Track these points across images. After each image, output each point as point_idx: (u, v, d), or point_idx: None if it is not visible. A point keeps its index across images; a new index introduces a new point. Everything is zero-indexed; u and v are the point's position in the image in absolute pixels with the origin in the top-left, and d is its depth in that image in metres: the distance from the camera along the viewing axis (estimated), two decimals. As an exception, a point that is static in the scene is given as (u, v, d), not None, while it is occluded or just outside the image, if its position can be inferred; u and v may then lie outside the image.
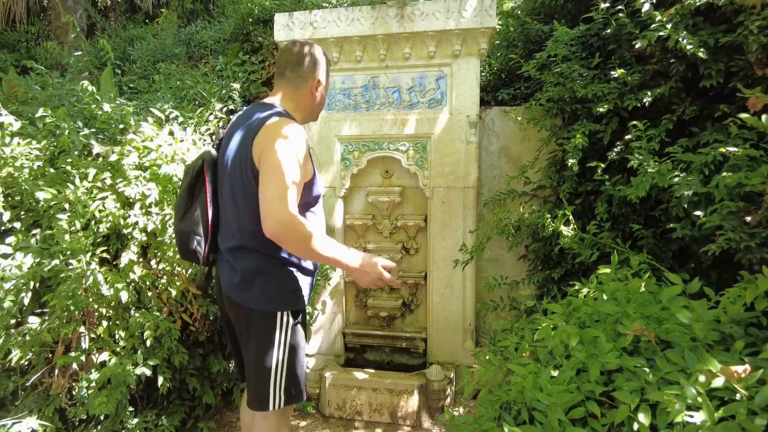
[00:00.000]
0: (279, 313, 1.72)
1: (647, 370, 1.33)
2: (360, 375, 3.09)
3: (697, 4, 2.23)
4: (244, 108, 1.90)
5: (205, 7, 6.53)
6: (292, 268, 1.76)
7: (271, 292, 1.72)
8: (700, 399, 1.10)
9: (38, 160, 2.50)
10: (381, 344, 3.43)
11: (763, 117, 1.56)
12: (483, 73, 3.73)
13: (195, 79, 3.41)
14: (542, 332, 1.57)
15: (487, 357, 1.61)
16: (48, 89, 3.05)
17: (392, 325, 3.46)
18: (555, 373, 1.43)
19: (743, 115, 1.59)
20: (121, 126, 2.74)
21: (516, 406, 1.42)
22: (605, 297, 1.65)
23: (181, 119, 2.95)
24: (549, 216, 2.60)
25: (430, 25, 3.01)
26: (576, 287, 1.79)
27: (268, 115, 1.67)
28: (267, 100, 1.83)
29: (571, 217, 2.49)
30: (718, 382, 1.13)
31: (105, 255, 2.56)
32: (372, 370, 3.16)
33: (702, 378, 1.15)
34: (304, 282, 1.82)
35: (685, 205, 2.15)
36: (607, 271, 1.91)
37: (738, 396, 1.11)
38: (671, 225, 2.18)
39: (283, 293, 1.74)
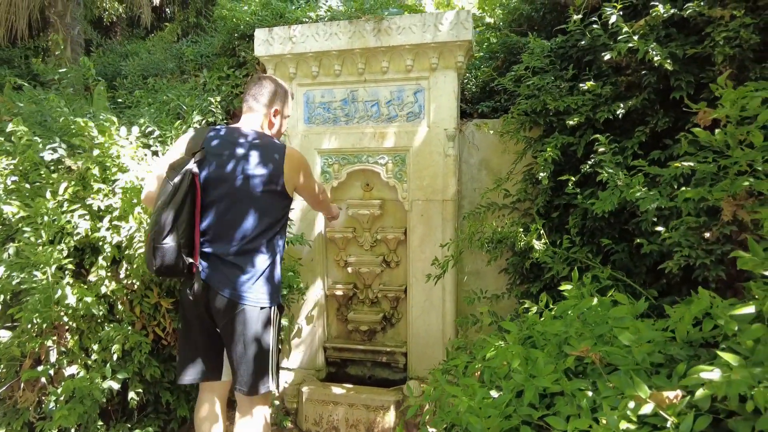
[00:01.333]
0: (273, 307, 2.02)
1: (590, 393, 1.29)
2: (337, 390, 3.05)
3: (665, 16, 2.20)
4: (225, 130, 2.10)
5: (209, 21, 6.61)
6: (277, 264, 2.07)
7: (270, 289, 2.00)
8: (625, 426, 1.06)
9: (13, 175, 2.53)
10: (362, 359, 3.39)
11: (717, 131, 1.52)
12: (468, 86, 3.72)
13: (178, 93, 3.44)
14: (487, 350, 1.53)
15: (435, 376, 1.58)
16: (30, 105, 3.10)
17: (373, 339, 3.42)
18: (497, 395, 1.39)
19: (696, 130, 1.55)
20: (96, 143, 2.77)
21: (456, 428, 1.38)
22: (556, 316, 1.61)
23: (157, 133, 2.97)
24: (521, 230, 2.56)
25: (407, 39, 3.01)
26: (526, 305, 1.74)
27: (278, 144, 2.07)
28: (246, 126, 2.10)
29: (542, 231, 2.45)
30: (648, 408, 1.09)
31: (78, 268, 2.59)
32: (350, 385, 3.12)
33: (632, 404, 1.11)
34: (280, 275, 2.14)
35: (654, 219, 2.10)
36: (569, 287, 1.87)
37: (669, 423, 1.07)
38: (639, 240, 2.13)
39: (276, 289, 2.05)
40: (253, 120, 2.13)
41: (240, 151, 2.02)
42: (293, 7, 3.54)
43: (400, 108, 3.18)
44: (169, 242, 1.87)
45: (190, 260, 1.94)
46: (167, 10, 8.51)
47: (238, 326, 1.96)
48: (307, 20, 3.40)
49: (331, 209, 2.62)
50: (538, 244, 2.43)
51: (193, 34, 5.07)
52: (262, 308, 1.98)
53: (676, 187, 2.03)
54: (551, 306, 1.89)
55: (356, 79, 3.21)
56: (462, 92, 3.56)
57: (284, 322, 3.10)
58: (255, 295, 1.96)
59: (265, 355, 1.98)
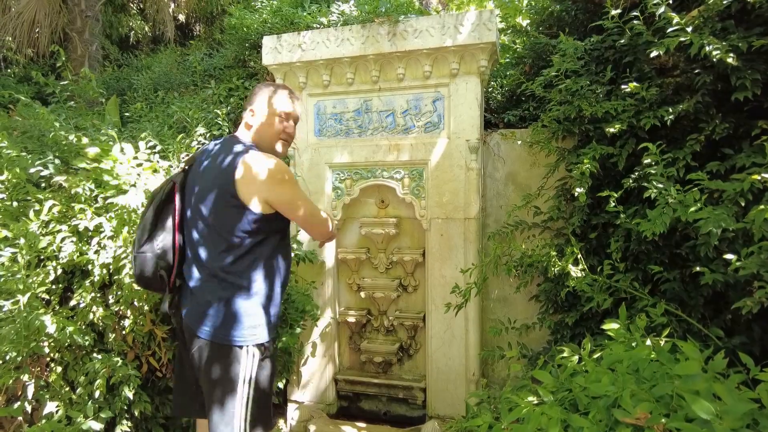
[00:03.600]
0: (244, 347, 1.66)
1: (652, 478, 0.97)
2: (348, 429, 2.75)
3: (725, 3, 1.88)
4: (218, 140, 1.89)
5: (223, 33, 6.54)
6: (257, 300, 1.71)
7: (240, 324, 1.67)
8: None
9: (0, 192, 2.36)
10: (377, 393, 3.08)
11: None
12: (493, 94, 3.44)
13: (183, 105, 3.26)
14: (518, 411, 1.22)
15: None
16: (32, 120, 2.97)
17: (389, 371, 3.11)
18: (529, 474, 1.08)
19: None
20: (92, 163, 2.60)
21: None
22: (605, 367, 1.29)
23: (159, 147, 2.78)
24: (555, 253, 2.24)
25: (425, 43, 2.75)
26: (565, 353, 1.42)
27: (243, 150, 1.71)
28: (235, 134, 1.86)
29: (579, 256, 2.13)
30: None
31: (66, 292, 2.39)
32: (362, 424, 2.82)
33: None
34: (268, 313, 1.74)
35: (716, 244, 1.76)
36: (615, 326, 1.54)
37: None
38: (698, 268, 1.78)
39: (248, 326, 1.68)
40: (240, 128, 1.87)
41: (206, 162, 1.79)
42: (304, 13, 3.33)
43: (417, 118, 2.91)
44: (147, 251, 1.73)
45: (162, 273, 1.75)
46: (195, 28, 8.57)
47: (205, 367, 1.69)
48: (318, 26, 3.18)
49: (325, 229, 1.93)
50: (574, 270, 2.10)
51: (207, 47, 4.94)
52: (224, 346, 1.66)
53: (743, 204, 1.70)
54: (593, 348, 1.57)
55: (370, 87, 2.96)
56: (486, 101, 3.28)
57: (292, 350, 2.84)
58: (219, 330, 1.66)
59: (230, 406, 1.64)
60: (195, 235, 1.75)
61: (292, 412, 3.07)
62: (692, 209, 1.64)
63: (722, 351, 1.16)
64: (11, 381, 2.07)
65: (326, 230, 1.90)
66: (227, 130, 3.26)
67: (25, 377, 2.13)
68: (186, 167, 1.89)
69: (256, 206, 1.66)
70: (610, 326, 1.53)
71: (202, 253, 1.72)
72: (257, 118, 1.80)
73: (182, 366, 1.91)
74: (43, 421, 2.17)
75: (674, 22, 1.91)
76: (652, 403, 1.11)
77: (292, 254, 2.72)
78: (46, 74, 5.94)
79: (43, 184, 2.49)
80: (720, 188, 1.71)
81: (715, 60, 1.87)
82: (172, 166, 2.81)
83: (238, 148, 1.73)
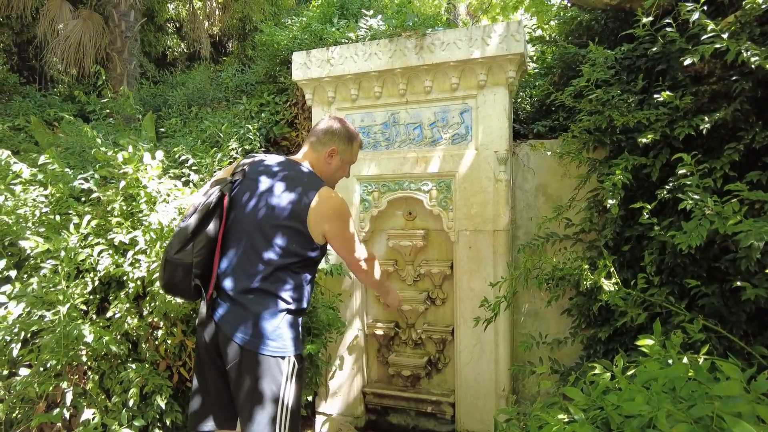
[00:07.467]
0: (287, 357, 1.72)
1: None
2: (375, 444, 2.73)
3: (764, 8, 1.82)
4: (270, 157, 1.93)
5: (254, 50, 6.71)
6: (297, 316, 1.80)
7: (286, 336, 1.73)
8: None
9: (45, 206, 2.47)
10: (405, 407, 3.05)
11: None
12: (522, 104, 3.41)
13: (216, 120, 3.36)
14: (548, 429, 1.19)
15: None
16: (74, 137, 3.10)
17: (417, 385, 3.08)
18: (559, 495, 1.05)
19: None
20: (122, 171, 2.70)
21: None
22: (639, 385, 1.24)
23: (192, 161, 2.86)
24: (587, 266, 2.18)
25: (452, 55, 2.76)
26: (597, 370, 1.38)
27: (317, 183, 1.81)
28: (297, 159, 1.93)
29: (612, 269, 2.07)
30: None
31: (103, 303, 2.47)
32: (390, 438, 2.80)
33: None
34: (301, 328, 1.84)
35: (758, 257, 1.68)
36: (650, 342, 1.49)
37: None
38: (739, 282, 1.71)
39: (292, 337, 1.75)
40: (305, 155, 1.93)
41: (272, 180, 1.82)
42: (333, 29, 3.39)
43: (444, 130, 2.91)
44: (181, 258, 1.73)
45: (197, 282, 1.75)
46: (228, 45, 8.84)
47: (245, 377, 1.71)
48: (346, 41, 3.23)
49: (385, 288, 2.13)
50: (607, 284, 2.04)
51: (239, 63, 5.08)
52: (273, 357, 1.69)
53: (787, 216, 1.62)
54: (626, 365, 1.51)
55: (397, 100, 2.98)
56: (515, 111, 3.25)
57: (319, 363, 2.85)
58: (265, 342, 1.70)
59: (272, 417, 1.67)
60: (248, 248, 1.76)
61: (321, 425, 3.07)
62: (732, 221, 1.58)
63: (767, 371, 1.10)
64: (51, 388, 2.15)
65: (371, 278, 1.97)
66: (258, 145, 3.33)
67: (64, 385, 2.21)
68: (235, 179, 1.88)
69: (318, 236, 1.76)
70: (645, 342, 1.48)
71: (254, 266, 1.74)
72: (335, 160, 1.89)
73: (205, 377, 1.87)
74: (81, 427, 2.24)
75: (709, 28, 1.85)
76: (690, 424, 1.07)
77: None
78: (88, 93, 6.22)
79: (83, 198, 2.60)
80: (761, 199, 1.64)
81: (754, 66, 1.80)
82: (204, 180, 2.89)
83: (313, 179, 1.83)
